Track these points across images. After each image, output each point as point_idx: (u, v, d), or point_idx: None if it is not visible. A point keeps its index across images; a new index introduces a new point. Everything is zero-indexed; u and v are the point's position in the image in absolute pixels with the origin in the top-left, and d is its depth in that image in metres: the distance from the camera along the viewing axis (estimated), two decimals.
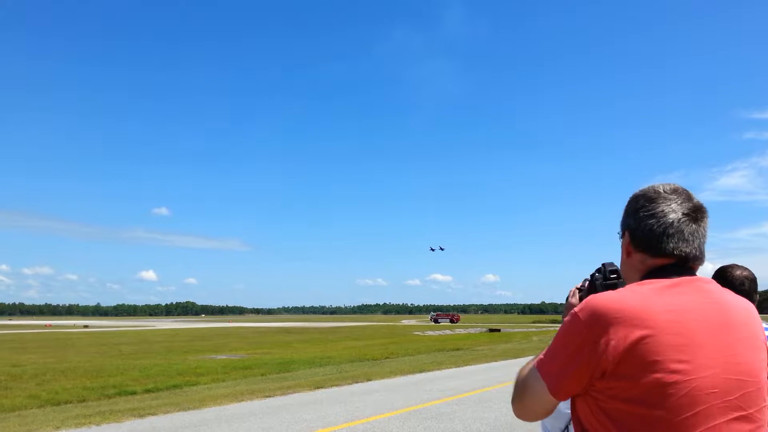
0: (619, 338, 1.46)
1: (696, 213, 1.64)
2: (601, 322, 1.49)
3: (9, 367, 23.74)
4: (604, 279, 1.91)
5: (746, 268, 3.08)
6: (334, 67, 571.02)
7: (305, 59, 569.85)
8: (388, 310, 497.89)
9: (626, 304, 1.49)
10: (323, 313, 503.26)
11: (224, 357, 28.62)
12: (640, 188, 1.73)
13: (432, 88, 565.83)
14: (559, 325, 1.65)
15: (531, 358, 1.74)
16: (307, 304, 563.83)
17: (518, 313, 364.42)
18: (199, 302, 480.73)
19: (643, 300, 1.50)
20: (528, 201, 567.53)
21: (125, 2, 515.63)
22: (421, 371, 19.63)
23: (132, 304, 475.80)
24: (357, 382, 16.47)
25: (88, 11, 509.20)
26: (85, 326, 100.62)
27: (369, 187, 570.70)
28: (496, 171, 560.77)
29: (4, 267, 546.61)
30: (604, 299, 1.53)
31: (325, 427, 10.23)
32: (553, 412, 1.65)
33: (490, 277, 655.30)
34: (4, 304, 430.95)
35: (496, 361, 23.47)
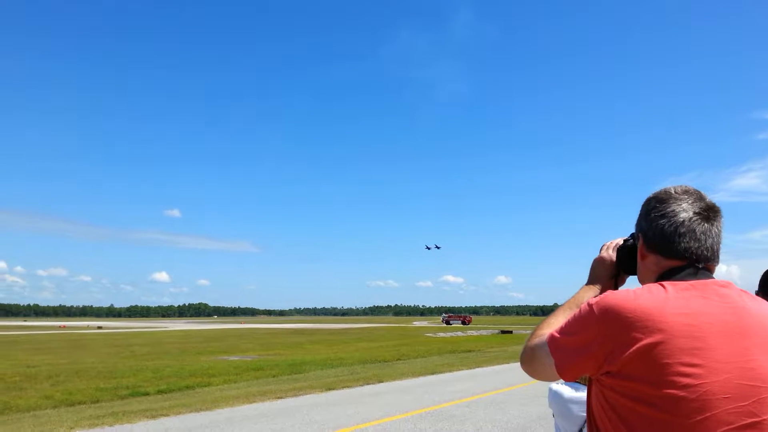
0: (629, 339, 1.45)
1: (708, 212, 1.63)
2: (613, 321, 1.48)
3: (24, 367, 23.97)
4: (624, 242, 1.85)
5: None
6: (342, 69, 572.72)
7: (314, 61, 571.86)
8: (399, 311, 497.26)
9: (640, 304, 1.48)
10: (335, 314, 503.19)
11: (236, 358, 28.74)
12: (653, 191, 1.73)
13: (440, 89, 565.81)
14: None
15: (546, 318, 1.75)
16: (319, 306, 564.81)
17: (530, 315, 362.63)
18: (212, 303, 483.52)
19: (657, 301, 1.49)
20: (539, 202, 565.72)
21: (137, 3, 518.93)
22: (432, 373, 19.58)
23: (145, 305, 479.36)
24: (368, 384, 16.46)
25: (101, 11, 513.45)
26: (99, 327, 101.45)
27: (379, 188, 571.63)
28: (508, 172, 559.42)
29: (18, 269, 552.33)
30: (618, 297, 1.52)
31: (337, 429, 10.22)
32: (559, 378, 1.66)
33: (502, 279, 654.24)
34: (19, 305, 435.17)
35: (507, 363, 23.35)
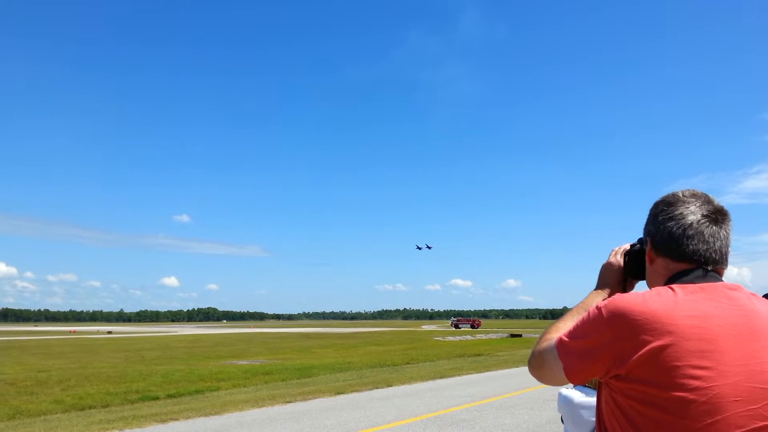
0: (638, 342, 1.45)
1: (716, 215, 1.63)
2: (622, 324, 1.48)
3: (35, 372, 24.12)
4: (631, 248, 1.85)
5: None
6: (352, 73, 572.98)
7: (324, 65, 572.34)
8: (408, 315, 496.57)
9: (649, 307, 1.48)
10: (343, 318, 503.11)
11: (245, 362, 28.79)
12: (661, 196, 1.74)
13: (449, 91, 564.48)
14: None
15: (554, 322, 1.74)
16: (328, 310, 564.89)
17: (540, 318, 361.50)
18: (221, 308, 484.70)
19: (666, 304, 1.49)
20: (549, 205, 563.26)
21: (146, 9, 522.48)
22: (441, 377, 19.53)
23: (154, 310, 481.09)
24: (377, 388, 16.43)
25: (107, 17, 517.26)
26: (109, 332, 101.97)
27: (388, 191, 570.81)
28: (517, 174, 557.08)
29: (29, 274, 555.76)
30: (627, 300, 1.52)
31: None
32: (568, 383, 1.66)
33: (511, 282, 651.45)
34: (30, 310, 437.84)
35: (517, 366, 23.26)
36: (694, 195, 1.67)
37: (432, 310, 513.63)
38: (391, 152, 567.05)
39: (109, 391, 17.05)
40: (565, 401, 3.32)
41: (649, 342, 1.44)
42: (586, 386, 3.20)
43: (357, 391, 15.84)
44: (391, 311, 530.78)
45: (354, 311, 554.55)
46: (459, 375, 20.33)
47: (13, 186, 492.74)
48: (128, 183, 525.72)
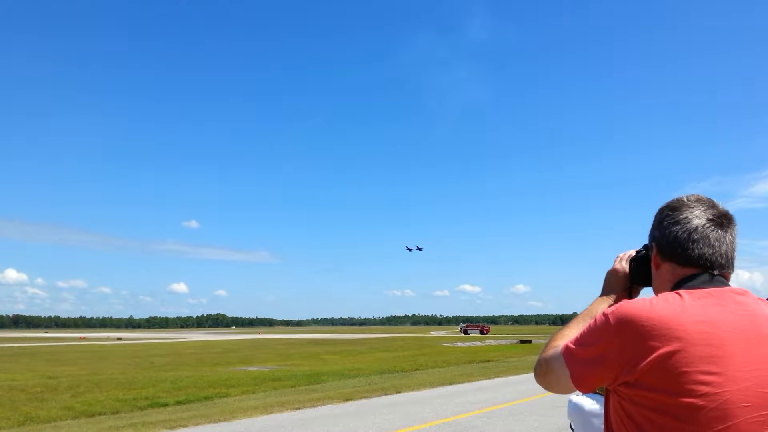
0: (646, 348, 1.45)
1: (721, 219, 1.63)
2: (629, 330, 1.48)
3: (45, 378, 24.23)
4: (636, 254, 1.85)
5: None
6: (356, 75, 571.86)
7: (331, 67, 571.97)
8: (416, 321, 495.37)
9: (656, 312, 1.47)
10: (352, 324, 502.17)
11: (254, 369, 28.81)
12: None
13: (457, 93, 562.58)
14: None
15: (560, 329, 1.75)
16: (336, 316, 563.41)
17: (549, 324, 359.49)
18: (230, 314, 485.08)
19: (674, 309, 1.48)
20: (557, 209, 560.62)
21: (153, 8, 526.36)
22: (450, 383, 19.47)
23: (164, 316, 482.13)
24: (386, 395, 16.40)
25: (116, 16, 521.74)
26: (119, 338, 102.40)
27: (395, 196, 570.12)
28: (525, 177, 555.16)
29: (39, 280, 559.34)
30: (634, 306, 1.51)
31: None
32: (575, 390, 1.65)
33: (520, 288, 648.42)
34: (41, 317, 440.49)
35: (527, 373, 23.13)
36: (698, 200, 1.68)
37: (441, 315, 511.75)
38: (399, 155, 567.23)
39: (118, 398, 17.09)
40: (575, 408, 3.29)
41: (658, 348, 1.44)
42: (596, 393, 3.17)
43: (366, 397, 15.81)
44: (399, 317, 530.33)
45: (363, 317, 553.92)
46: (468, 381, 20.25)
47: (24, 193, 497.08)
48: (137, 189, 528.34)
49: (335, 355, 41.46)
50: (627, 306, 1.53)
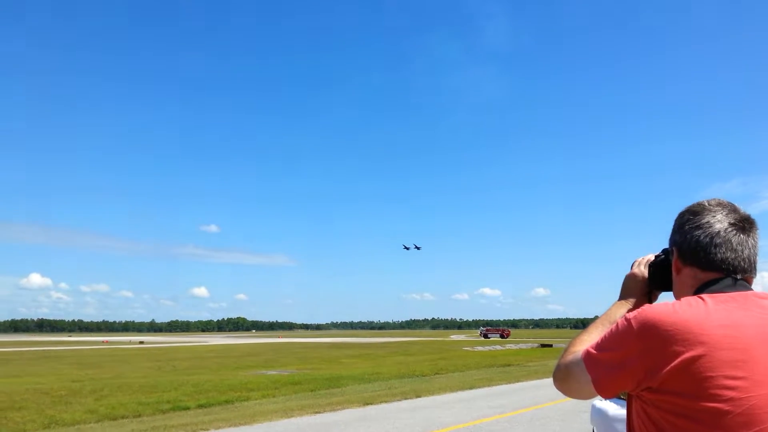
0: (670, 353, 1.44)
1: (743, 223, 1.63)
2: (653, 335, 1.47)
3: (69, 382, 24.56)
4: (655, 258, 1.85)
5: None
6: (372, 78, 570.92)
7: (345, 70, 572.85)
8: (436, 325, 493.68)
9: (680, 317, 1.47)
10: (371, 328, 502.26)
11: (274, 372, 28.93)
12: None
13: (472, 95, 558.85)
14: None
15: (578, 334, 1.74)
16: (356, 320, 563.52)
17: (570, 328, 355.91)
18: (250, 318, 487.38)
19: (697, 313, 1.47)
20: (578, 212, 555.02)
21: (173, 20, 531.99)
22: (471, 388, 19.37)
23: (185, 320, 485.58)
24: (406, 399, 16.36)
25: (138, 31, 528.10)
26: (141, 342, 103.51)
27: (414, 200, 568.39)
28: (544, 181, 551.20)
29: (63, 285, 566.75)
30: (657, 311, 1.50)
31: None
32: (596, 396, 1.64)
33: (541, 291, 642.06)
34: (64, 321, 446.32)
35: (548, 377, 22.94)
36: (719, 204, 1.67)
37: (460, 319, 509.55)
38: (418, 160, 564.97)
39: (141, 401, 17.25)
40: (598, 414, 3.25)
41: (682, 353, 1.43)
42: (619, 398, 3.13)
43: (385, 401, 15.79)
44: (419, 321, 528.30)
45: (382, 321, 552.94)
46: (489, 386, 20.14)
47: (47, 199, 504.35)
48: (158, 194, 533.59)
49: (355, 359, 41.49)
50: (650, 310, 1.52)
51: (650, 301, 1.82)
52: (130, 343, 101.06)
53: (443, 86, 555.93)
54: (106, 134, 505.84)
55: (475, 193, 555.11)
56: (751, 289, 1.60)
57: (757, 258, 1.65)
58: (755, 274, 1.64)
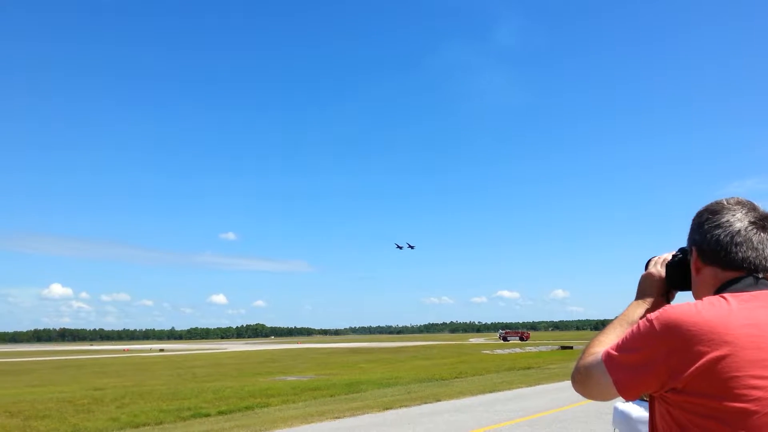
0: (694, 354, 1.43)
1: (763, 222, 1.63)
2: (676, 336, 1.45)
3: (91, 390, 24.80)
4: (672, 257, 1.84)
5: None
6: (387, 83, 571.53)
7: (359, 75, 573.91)
8: (455, 328, 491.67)
9: (703, 317, 1.45)
10: (390, 332, 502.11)
11: (294, 378, 28.99)
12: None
13: (489, 98, 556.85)
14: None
15: (596, 335, 1.73)
16: (374, 324, 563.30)
17: (591, 329, 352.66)
18: (269, 324, 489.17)
19: (721, 313, 1.46)
20: (595, 212, 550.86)
21: (191, 17, 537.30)
22: (491, 391, 19.25)
23: (204, 327, 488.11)
24: (426, 403, 16.29)
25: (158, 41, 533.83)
26: (161, 350, 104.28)
27: (430, 203, 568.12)
28: (561, 181, 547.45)
29: (84, 295, 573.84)
30: (680, 311, 1.49)
31: None
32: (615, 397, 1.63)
33: (560, 293, 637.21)
34: (86, 330, 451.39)
35: (569, 379, 22.67)
36: (739, 202, 1.67)
37: (479, 322, 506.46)
38: (433, 163, 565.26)
39: (162, 409, 17.37)
40: (621, 416, 3.20)
41: (706, 353, 1.41)
42: (642, 399, 3.09)
43: (405, 406, 15.74)
44: (437, 324, 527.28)
45: (400, 325, 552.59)
46: (509, 389, 20.00)
47: (67, 210, 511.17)
48: (176, 204, 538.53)
49: (373, 364, 41.46)
50: (672, 311, 1.50)
51: (668, 301, 1.82)
52: (150, 351, 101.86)
53: (457, 88, 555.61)
54: (125, 145, 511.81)
55: (493, 194, 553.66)
56: None
57: None
58: None
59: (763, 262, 1.58)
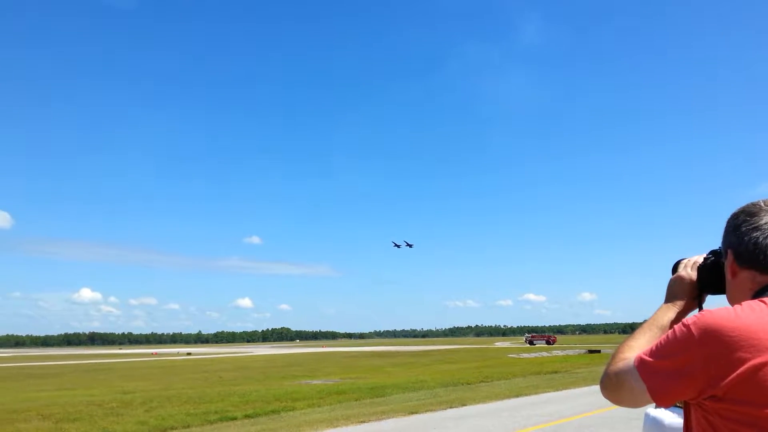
0: (735, 360, 1.38)
1: None
2: (715, 342, 1.41)
3: (120, 394, 25.15)
4: (704, 260, 1.80)
5: None
6: (409, 86, 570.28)
7: (381, 77, 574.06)
8: (480, 332, 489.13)
9: (743, 322, 1.41)
10: (414, 336, 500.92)
11: (319, 382, 29.05)
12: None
13: (510, 99, 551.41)
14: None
15: (625, 340, 1.69)
16: (398, 328, 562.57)
17: (619, 333, 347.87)
18: (294, 328, 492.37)
19: (761, 318, 1.42)
20: (623, 212, 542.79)
21: (218, 24, 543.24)
22: (517, 395, 19.08)
23: (230, 331, 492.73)
24: (452, 408, 16.20)
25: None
26: (188, 354, 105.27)
27: (453, 205, 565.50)
28: (587, 182, 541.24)
29: (112, 299, 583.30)
30: (719, 316, 1.45)
31: None
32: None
33: (587, 296, 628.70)
34: (115, 333, 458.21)
35: (596, 384, 22.30)
36: None
37: (504, 326, 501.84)
38: (456, 165, 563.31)
39: (189, 412, 17.53)
40: (653, 423, 3.13)
41: (747, 360, 1.37)
42: (675, 406, 3.01)
43: (431, 410, 15.67)
44: (462, 328, 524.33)
45: (424, 329, 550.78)
46: (536, 393, 19.80)
47: (95, 217, 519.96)
48: (201, 209, 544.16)
49: (398, 368, 41.37)
50: (710, 316, 1.46)
51: (700, 305, 1.77)
52: (178, 354, 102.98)
53: (480, 89, 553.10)
54: (152, 150, 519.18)
55: (519, 196, 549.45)
56: None
57: None
58: None
59: None
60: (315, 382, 29.38)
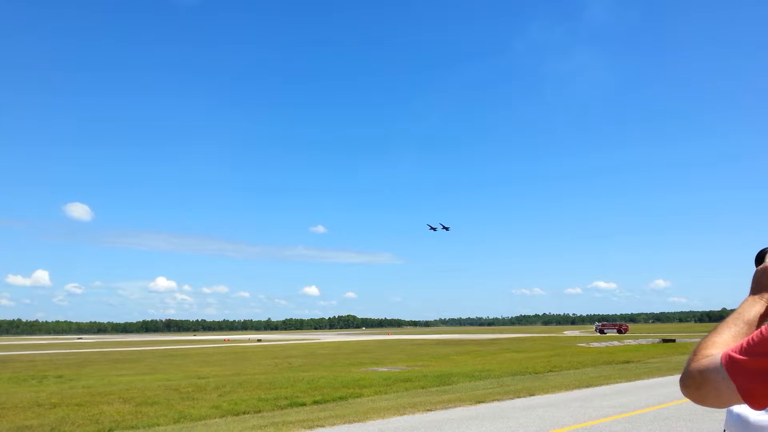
0: None
1: None
2: None
3: (195, 379, 26.13)
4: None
5: None
6: (472, 66, 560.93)
7: (446, 60, 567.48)
8: (548, 320, 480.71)
9: None
10: (480, 324, 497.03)
11: (385, 369, 29.30)
12: None
13: (579, 80, 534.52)
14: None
15: (707, 335, 1.57)
16: (464, 316, 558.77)
17: (695, 322, 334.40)
18: (359, 315, 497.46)
19: None
20: (699, 195, 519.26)
21: (239, 15, 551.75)
22: (587, 386, 18.62)
23: (298, 318, 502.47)
24: (519, 397, 15.99)
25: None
26: (259, 340, 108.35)
27: (519, 189, 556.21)
28: (658, 166, 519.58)
29: (186, 287, 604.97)
30: None
31: None
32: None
33: (660, 283, 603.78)
34: (189, 320, 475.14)
35: (671, 375, 21.64)
36: None
37: (573, 314, 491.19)
38: (520, 151, 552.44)
39: (260, 397, 18.02)
40: (737, 420, 2.95)
41: None
42: None
43: (498, 400, 15.52)
44: (529, 316, 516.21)
45: (491, 317, 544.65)
46: (607, 384, 19.28)
47: (171, 208, 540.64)
48: (269, 200, 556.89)
49: (464, 356, 41.22)
50: None
51: None
52: (249, 341, 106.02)
53: (544, 74, 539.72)
54: (224, 143, 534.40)
55: (584, 180, 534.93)
56: None
57: None
58: None
59: None
60: (381, 369, 29.65)
